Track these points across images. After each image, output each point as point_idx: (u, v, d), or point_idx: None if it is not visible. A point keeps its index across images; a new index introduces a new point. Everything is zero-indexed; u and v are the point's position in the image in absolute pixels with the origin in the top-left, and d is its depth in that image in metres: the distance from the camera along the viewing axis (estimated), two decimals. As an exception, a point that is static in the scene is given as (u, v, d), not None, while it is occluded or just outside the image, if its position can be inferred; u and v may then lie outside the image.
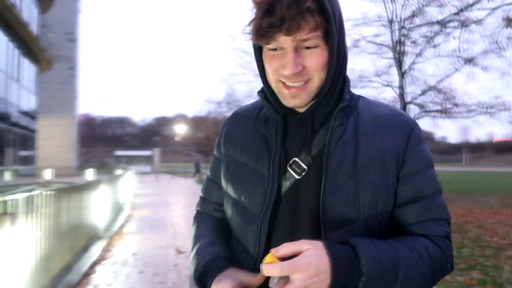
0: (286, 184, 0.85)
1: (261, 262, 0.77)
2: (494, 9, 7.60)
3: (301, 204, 0.83)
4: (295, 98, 0.80)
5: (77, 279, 4.29)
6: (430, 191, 0.84)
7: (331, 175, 0.80)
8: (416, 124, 0.88)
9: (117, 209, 9.34)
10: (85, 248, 5.54)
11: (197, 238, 0.95)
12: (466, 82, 21.21)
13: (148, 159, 51.61)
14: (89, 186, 6.03)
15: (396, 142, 0.84)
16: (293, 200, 0.84)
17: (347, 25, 16.48)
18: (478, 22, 8.96)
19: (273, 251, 0.70)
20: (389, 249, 0.75)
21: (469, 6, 8.50)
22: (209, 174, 1.05)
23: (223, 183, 0.96)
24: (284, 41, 0.75)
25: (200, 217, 1.05)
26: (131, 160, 52.37)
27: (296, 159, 0.84)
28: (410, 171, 0.84)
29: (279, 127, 0.87)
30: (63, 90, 42.25)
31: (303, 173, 0.84)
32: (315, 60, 0.77)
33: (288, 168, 0.85)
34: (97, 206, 6.43)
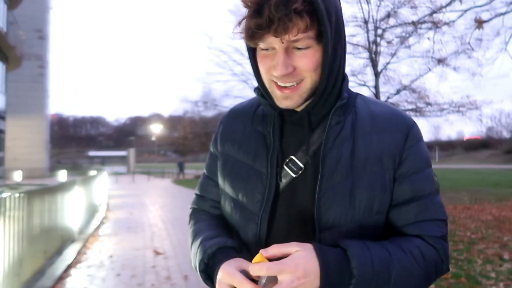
0: (283, 182, 0.84)
1: None
2: (466, 10, 7.84)
3: (297, 202, 0.83)
4: (287, 100, 0.78)
5: (50, 283, 4.14)
6: (428, 191, 0.83)
7: (327, 174, 0.79)
8: (414, 123, 0.87)
9: (92, 211, 9.11)
10: (59, 252, 5.37)
11: (197, 233, 0.92)
12: (438, 82, 21.82)
13: (123, 160, 50.70)
14: (62, 187, 5.84)
15: (394, 141, 0.82)
16: (289, 198, 0.83)
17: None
18: (449, 24, 9.21)
19: (262, 251, 0.69)
20: (381, 251, 0.74)
21: (442, 8, 8.73)
22: (205, 171, 1.02)
23: (220, 180, 0.94)
24: (274, 41, 0.73)
25: (196, 214, 1.02)
26: (105, 161, 51.35)
27: (293, 157, 0.83)
28: (408, 170, 0.83)
29: (276, 124, 0.85)
30: (33, 89, 40.91)
31: (300, 172, 0.82)
32: (307, 61, 0.75)
33: (285, 167, 0.84)
34: (71, 208, 6.23)
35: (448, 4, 8.32)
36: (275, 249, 0.68)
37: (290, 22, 0.69)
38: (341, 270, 0.69)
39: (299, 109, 0.84)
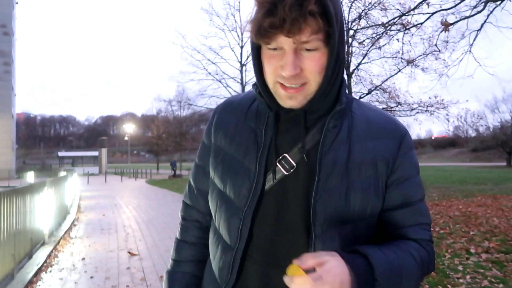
0: (273, 179, 0.85)
1: (243, 256, 0.80)
2: (433, 13, 8.11)
3: (288, 200, 0.84)
4: (291, 99, 0.79)
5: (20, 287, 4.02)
6: (417, 198, 0.87)
7: (324, 177, 0.81)
8: (407, 131, 0.90)
9: (63, 213, 8.86)
10: (29, 255, 5.20)
11: (179, 262, 1.03)
12: (408, 82, 22.44)
13: (94, 160, 49.48)
14: (31, 189, 5.65)
15: (388, 147, 0.85)
16: (280, 196, 0.84)
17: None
18: (418, 26, 9.51)
19: (298, 262, 0.69)
20: (394, 255, 0.77)
21: (410, 11, 9.00)
22: (196, 160, 1.03)
23: (211, 171, 0.95)
24: (285, 42, 0.74)
25: (185, 223, 1.06)
26: (76, 161, 49.92)
27: (286, 155, 0.84)
28: (401, 177, 0.85)
29: (269, 123, 0.86)
30: (-1, 87, 39.36)
31: (292, 170, 0.84)
32: (314, 63, 0.76)
33: (277, 164, 0.84)
34: (40, 210, 6.05)
35: (416, 7, 8.58)
36: (311, 261, 0.69)
37: (304, 23, 0.70)
38: (366, 278, 0.72)
39: (295, 108, 0.84)
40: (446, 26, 7.68)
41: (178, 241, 1.06)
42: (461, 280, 4.15)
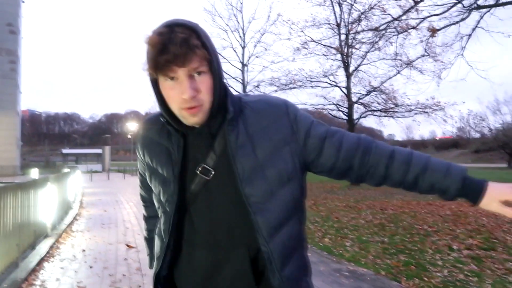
0: (199, 185, 1.05)
1: (168, 248, 1.09)
2: (424, 18, 8.33)
3: (216, 197, 1.04)
4: (194, 117, 0.98)
5: (24, 275, 4.30)
6: (325, 128, 1.10)
7: (241, 171, 1.01)
8: (286, 101, 1.11)
9: (65, 208, 9.17)
10: (32, 246, 5.50)
11: (152, 251, 1.32)
12: (405, 84, 22.63)
13: (98, 158, 49.90)
14: (35, 184, 5.95)
15: (280, 124, 1.06)
16: (207, 195, 1.05)
17: (298, 26, 16.85)
18: (412, 28, 9.72)
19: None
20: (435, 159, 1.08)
21: (400, 17, 9.23)
22: (138, 170, 1.28)
23: (148, 181, 1.19)
24: (179, 71, 0.92)
25: (148, 220, 1.37)
26: (79, 159, 50.35)
27: (204, 164, 1.04)
28: (306, 130, 1.07)
29: (180, 143, 1.06)
30: (4, 85, 39.77)
31: (211, 175, 1.04)
32: (205, 86, 0.96)
33: (198, 172, 1.05)
34: (44, 204, 6.35)
35: (405, 13, 8.80)
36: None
37: (193, 55, 0.91)
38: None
39: (198, 125, 1.03)
40: (433, 31, 7.89)
41: (145, 218, 1.38)
42: (438, 274, 4.39)
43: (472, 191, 1.02)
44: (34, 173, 20.83)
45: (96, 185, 21.93)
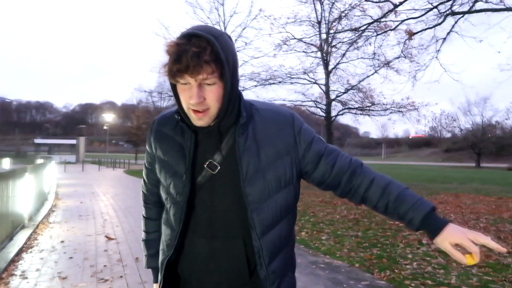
0: (204, 178, 1.15)
1: (180, 236, 1.19)
2: (402, 21, 8.62)
3: (218, 191, 1.15)
4: (200, 120, 1.09)
5: (3, 265, 4.28)
6: (324, 146, 1.22)
7: (245, 171, 1.12)
8: (293, 114, 1.21)
9: (41, 199, 9.05)
10: (10, 237, 5.45)
11: (148, 234, 1.42)
12: (382, 84, 23.18)
13: (72, 148, 48.73)
14: (13, 174, 5.88)
15: (285, 133, 1.17)
16: (212, 188, 1.15)
17: (279, 22, 16.94)
18: (391, 30, 10.01)
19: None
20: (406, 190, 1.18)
21: (379, 19, 9.50)
22: (145, 163, 1.34)
23: (157, 173, 1.26)
24: (190, 79, 1.02)
25: (147, 206, 1.42)
26: (53, 149, 48.99)
27: (211, 160, 1.15)
28: (307, 144, 1.18)
29: (192, 139, 1.16)
30: (-26, 71, 38.25)
31: (217, 170, 1.14)
32: (212, 95, 1.05)
33: (205, 167, 1.15)
34: (21, 195, 6.28)
35: (384, 16, 9.07)
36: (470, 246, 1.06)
37: (201, 68, 1.00)
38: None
39: (209, 125, 1.13)
40: (410, 34, 8.18)
41: (145, 218, 1.44)
42: (408, 266, 4.64)
43: (433, 227, 1.11)
44: (6, 163, 20.24)
45: (71, 176, 21.53)
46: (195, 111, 1.07)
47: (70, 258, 4.89)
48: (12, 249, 4.98)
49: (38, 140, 56.09)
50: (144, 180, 1.40)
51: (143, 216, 1.44)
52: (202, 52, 1.00)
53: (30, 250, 5.20)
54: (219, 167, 1.14)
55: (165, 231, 1.27)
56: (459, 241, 1.06)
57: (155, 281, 1.38)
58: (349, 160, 1.23)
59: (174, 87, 1.10)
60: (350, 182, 1.21)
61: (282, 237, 1.18)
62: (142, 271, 4.36)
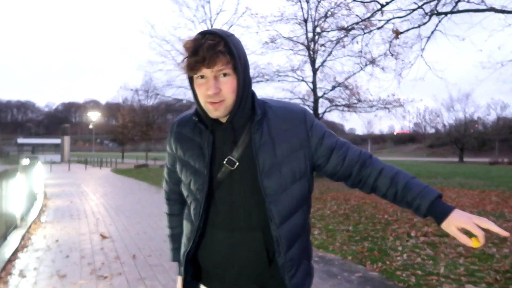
0: (224, 174, 1.22)
1: (200, 230, 1.27)
2: (388, 21, 8.82)
3: (237, 186, 1.22)
4: (216, 111, 1.15)
5: (0, 265, 4.29)
6: (335, 140, 1.29)
7: (261, 166, 1.19)
8: (305, 110, 1.29)
9: (31, 199, 8.98)
10: (4, 237, 5.43)
11: (172, 229, 1.49)
12: (368, 81, 23.51)
13: (56, 148, 47.95)
14: (6, 174, 5.85)
15: (298, 129, 1.24)
16: (231, 184, 1.23)
17: (267, 20, 16.96)
18: (377, 29, 10.22)
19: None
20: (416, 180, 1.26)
21: (366, 19, 9.70)
22: (167, 163, 1.43)
23: (178, 172, 1.35)
24: (206, 71, 1.11)
25: (169, 203, 1.50)
26: (36, 149, 48.16)
27: (230, 157, 1.22)
28: (319, 139, 1.26)
29: (209, 139, 1.23)
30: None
31: (235, 166, 1.21)
32: (227, 86, 1.13)
33: (225, 163, 1.22)
34: (13, 195, 6.25)
35: (372, 16, 9.26)
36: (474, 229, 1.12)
37: (217, 58, 1.08)
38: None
39: (224, 121, 1.21)
40: (396, 34, 8.39)
41: (167, 215, 1.50)
42: (398, 258, 4.81)
43: (439, 213, 1.18)
44: (-10, 163, 19.85)
45: (57, 176, 21.27)
46: (212, 103, 1.14)
47: (67, 256, 4.91)
48: (7, 249, 4.98)
49: (21, 140, 55.06)
50: (166, 179, 1.48)
51: (166, 212, 1.51)
52: (216, 44, 1.10)
53: (25, 250, 5.20)
54: (237, 163, 1.21)
55: (186, 226, 1.36)
56: (465, 225, 1.13)
57: (180, 273, 1.45)
58: (359, 152, 1.31)
59: (191, 83, 1.18)
60: (360, 173, 1.30)
61: (298, 226, 1.26)
62: (141, 268, 4.42)
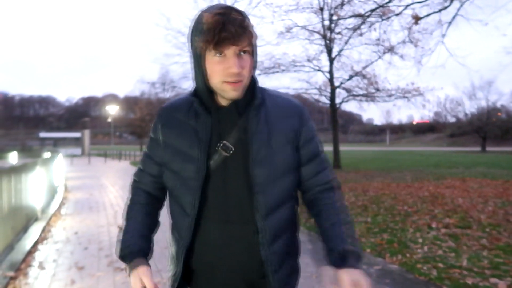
0: (218, 161, 1.14)
1: (199, 219, 1.14)
2: (407, 6, 8.55)
3: (231, 174, 1.14)
4: (235, 91, 1.09)
5: (21, 257, 4.38)
6: (318, 151, 1.25)
7: (255, 152, 1.13)
8: (303, 107, 1.25)
9: (52, 192, 9.16)
10: (24, 229, 5.54)
11: (129, 220, 1.26)
12: (387, 70, 23.04)
13: (76, 141, 48.96)
14: (26, 167, 5.95)
15: (294, 123, 1.20)
16: (224, 170, 1.15)
17: (282, 10, 16.77)
18: (396, 15, 9.93)
19: None
20: (350, 228, 1.18)
21: (384, 4, 9.41)
22: (146, 150, 1.30)
23: (164, 161, 1.23)
24: (230, 49, 1.04)
25: (136, 190, 1.32)
26: (58, 143, 49.28)
27: (225, 142, 1.14)
28: (305, 141, 1.22)
29: (208, 122, 1.16)
30: (-24, 66, 38.32)
31: (231, 152, 1.14)
32: (248, 64, 1.08)
33: (219, 149, 1.15)
34: (34, 188, 6.37)
35: (389, 1, 9.00)
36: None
37: (245, 36, 1.04)
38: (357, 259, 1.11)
39: (225, 104, 1.16)
40: (416, 19, 8.12)
41: (132, 203, 1.31)
42: (419, 250, 4.69)
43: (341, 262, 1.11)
44: (13, 157, 20.41)
45: (78, 169, 21.69)
46: (231, 83, 1.07)
47: (85, 248, 4.97)
48: (28, 241, 5.08)
49: (43, 134, 56.36)
50: (140, 168, 1.33)
51: (130, 200, 1.32)
52: (244, 20, 1.05)
53: (45, 242, 5.29)
54: (232, 149, 1.14)
55: (177, 221, 1.23)
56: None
57: (132, 270, 1.19)
58: (332, 178, 1.27)
59: (198, 60, 1.09)
60: (319, 195, 1.24)
61: (285, 220, 1.20)
62: (157, 260, 4.42)
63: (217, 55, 1.05)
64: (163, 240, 5.55)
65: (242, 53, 1.06)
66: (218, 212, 1.16)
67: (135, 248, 1.20)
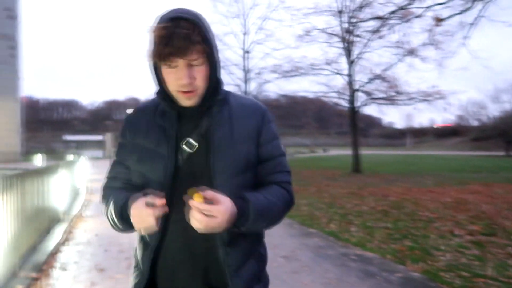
0: (184, 157, 1.15)
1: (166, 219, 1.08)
2: (428, 7, 8.40)
3: (195, 170, 1.14)
4: (189, 100, 1.12)
5: (44, 258, 4.47)
6: (278, 154, 1.24)
7: (217, 146, 1.14)
8: (266, 109, 1.26)
9: (74, 194, 9.35)
10: (47, 231, 5.67)
11: (110, 195, 1.20)
12: (407, 72, 22.64)
13: (99, 144, 49.98)
14: (49, 170, 6.10)
15: (256, 122, 1.21)
16: (190, 166, 1.15)
17: (301, 13, 16.74)
18: (417, 17, 9.77)
19: (201, 192, 0.98)
20: (263, 197, 1.12)
21: (406, 6, 9.27)
22: (115, 157, 1.28)
23: (131, 162, 1.21)
24: (179, 61, 1.05)
25: (106, 189, 1.27)
26: (81, 145, 50.44)
27: (189, 139, 1.15)
28: (264, 140, 1.22)
29: (174, 120, 1.17)
30: (3, 71, 39.67)
31: (195, 148, 1.15)
32: (201, 75, 1.09)
33: (184, 146, 1.15)
34: (57, 190, 6.51)
35: (409, 4, 8.85)
36: (211, 194, 0.99)
37: (192, 49, 1.03)
38: (243, 213, 1.06)
39: (189, 104, 1.15)
40: (438, 20, 7.96)
41: (107, 191, 1.25)
42: (441, 258, 4.57)
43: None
44: (38, 159, 20.97)
45: (100, 171, 22.00)
46: (184, 92, 1.10)
47: (106, 250, 5.05)
48: (51, 242, 5.18)
49: (67, 137, 57.78)
50: (112, 176, 1.27)
51: (103, 200, 1.26)
52: (191, 33, 1.03)
53: (67, 243, 5.40)
54: (196, 146, 1.15)
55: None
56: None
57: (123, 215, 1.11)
58: (285, 180, 1.24)
59: (155, 69, 1.11)
60: (266, 185, 1.21)
61: None
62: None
63: (168, 66, 1.07)
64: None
65: (195, 65, 1.07)
66: (180, 211, 1.06)
67: (127, 196, 1.12)
